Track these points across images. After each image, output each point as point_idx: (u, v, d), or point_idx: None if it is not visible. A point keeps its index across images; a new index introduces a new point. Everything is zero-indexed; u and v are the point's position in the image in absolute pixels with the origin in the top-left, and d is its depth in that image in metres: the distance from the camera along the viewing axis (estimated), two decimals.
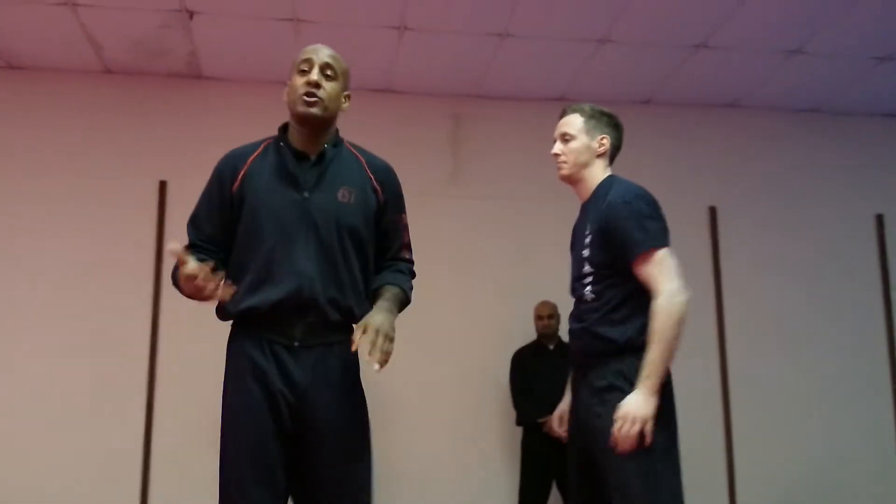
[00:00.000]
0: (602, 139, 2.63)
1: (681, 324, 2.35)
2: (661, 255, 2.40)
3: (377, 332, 2.01)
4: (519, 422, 4.87)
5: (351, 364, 2.21)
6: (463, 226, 5.31)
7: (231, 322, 2.23)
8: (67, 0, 4.26)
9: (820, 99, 5.54)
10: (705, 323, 5.31)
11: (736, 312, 5.38)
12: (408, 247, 2.42)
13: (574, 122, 2.63)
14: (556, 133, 2.68)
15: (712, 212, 5.48)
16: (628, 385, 2.35)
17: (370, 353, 1.98)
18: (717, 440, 5.23)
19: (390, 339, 2.04)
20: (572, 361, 2.63)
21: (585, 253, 2.52)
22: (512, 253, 5.24)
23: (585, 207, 2.65)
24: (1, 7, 4.32)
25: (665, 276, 2.38)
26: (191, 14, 4.40)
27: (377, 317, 2.07)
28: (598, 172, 2.63)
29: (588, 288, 2.50)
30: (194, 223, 2.27)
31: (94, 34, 4.64)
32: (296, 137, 2.25)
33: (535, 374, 4.79)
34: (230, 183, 2.22)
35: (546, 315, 4.91)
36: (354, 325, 2.12)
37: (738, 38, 4.69)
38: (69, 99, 5.07)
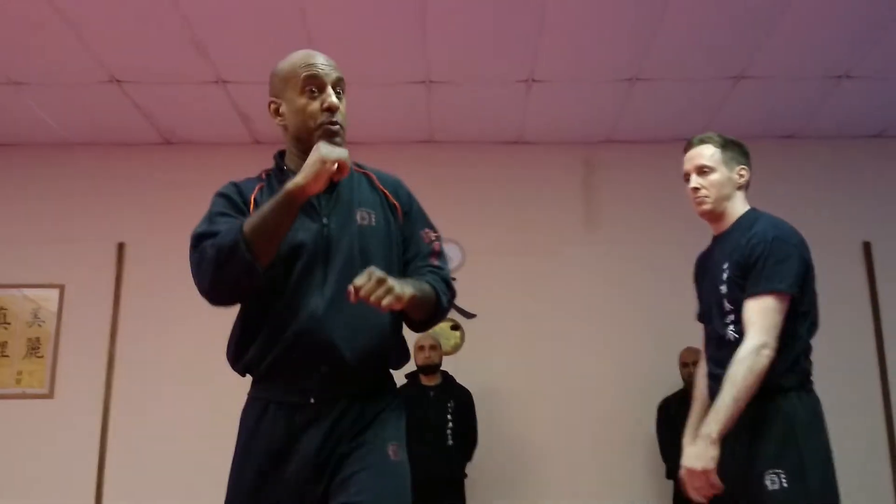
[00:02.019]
0: (741, 170, 2.54)
1: (759, 378, 2.25)
2: (770, 301, 2.29)
3: (380, 277, 1.64)
4: (669, 474, 4.70)
5: (388, 424, 1.83)
6: (600, 272, 5.26)
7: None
8: (218, 78, 4.59)
9: None
10: (865, 364, 4.99)
11: None
12: (437, 255, 1.98)
13: (710, 154, 2.52)
14: (690, 166, 2.55)
15: (867, 247, 5.19)
16: (779, 425, 2.25)
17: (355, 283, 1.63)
18: (885, 484, 4.88)
19: (390, 289, 1.64)
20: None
21: (723, 290, 2.42)
22: (652, 298, 5.13)
23: (720, 240, 2.54)
24: (157, 87, 4.70)
25: (759, 325, 2.27)
26: None
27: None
28: (739, 205, 2.53)
29: (730, 328, 2.40)
30: None
31: (243, 108, 4.96)
32: (300, 164, 1.83)
33: (683, 424, 4.62)
34: (245, 207, 1.90)
35: (691, 362, 4.74)
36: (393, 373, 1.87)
37: (883, 66, 4.48)
38: (222, 170, 5.26)
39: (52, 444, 4.98)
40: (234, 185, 1.98)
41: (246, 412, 1.87)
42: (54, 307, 5.20)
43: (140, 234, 5.31)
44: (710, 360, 2.52)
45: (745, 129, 5.03)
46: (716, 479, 2.26)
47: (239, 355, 1.86)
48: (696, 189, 2.52)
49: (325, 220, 1.87)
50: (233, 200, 1.92)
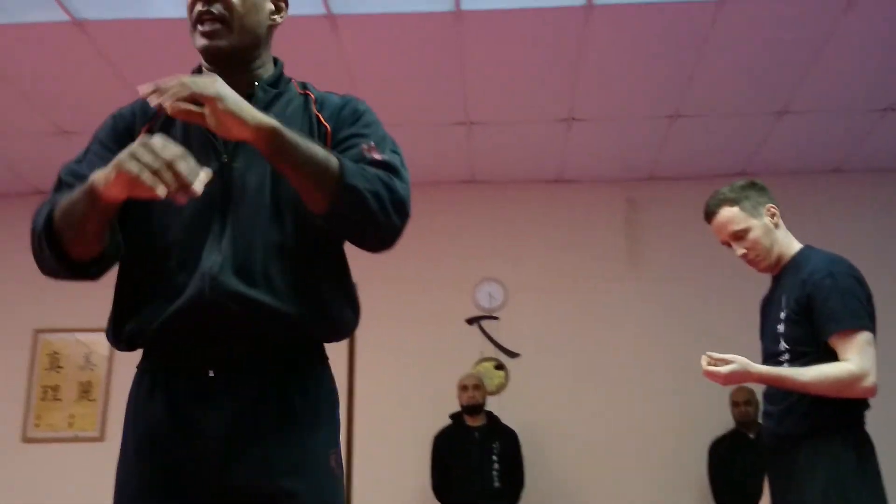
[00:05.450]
0: (769, 209, 2.48)
1: (840, 392, 2.23)
2: (862, 337, 2.25)
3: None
4: None
5: (324, 423, 1.47)
6: (644, 310, 5.20)
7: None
8: None
9: None
10: None
11: None
12: (375, 156, 1.44)
13: (735, 217, 2.46)
14: (724, 236, 2.50)
15: None
16: (826, 466, 2.20)
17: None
18: None
19: (191, 93, 1.30)
20: (767, 447, 2.48)
21: (780, 328, 2.39)
22: (698, 335, 5.02)
23: (778, 280, 2.50)
24: None
25: (863, 356, 2.23)
26: None
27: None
28: (785, 243, 2.49)
29: (784, 366, 2.36)
30: (71, 177, 1.51)
31: None
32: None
33: (736, 465, 4.52)
34: (123, 143, 1.39)
35: (742, 401, 4.66)
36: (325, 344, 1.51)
37: None
38: None
39: (103, 486, 4.98)
40: (129, 107, 1.62)
41: (131, 393, 1.51)
42: (106, 351, 5.28)
43: None
44: (765, 397, 2.49)
45: (789, 163, 5.02)
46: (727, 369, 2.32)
47: (120, 326, 1.47)
48: (744, 255, 2.49)
49: (225, 158, 1.46)
50: (124, 118, 1.58)
